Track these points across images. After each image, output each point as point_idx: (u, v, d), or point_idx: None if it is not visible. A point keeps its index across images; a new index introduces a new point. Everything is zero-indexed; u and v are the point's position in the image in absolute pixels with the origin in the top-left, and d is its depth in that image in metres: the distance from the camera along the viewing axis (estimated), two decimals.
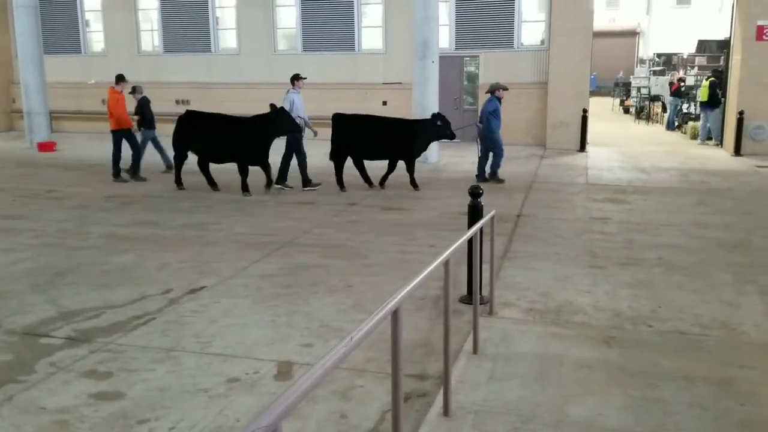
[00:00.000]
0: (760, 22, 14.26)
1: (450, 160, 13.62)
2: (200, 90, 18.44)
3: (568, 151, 14.98)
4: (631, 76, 26.74)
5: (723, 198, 10.00)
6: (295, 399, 1.68)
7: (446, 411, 3.55)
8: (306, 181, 10.77)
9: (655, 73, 24.41)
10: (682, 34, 28.37)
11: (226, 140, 10.27)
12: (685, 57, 25.19)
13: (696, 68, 22.90)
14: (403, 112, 15.88)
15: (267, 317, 5.22)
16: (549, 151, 15.13)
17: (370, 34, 17.33)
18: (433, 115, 10.94)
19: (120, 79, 11.72)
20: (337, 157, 10.66)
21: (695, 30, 26.49)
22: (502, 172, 11.25)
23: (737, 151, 14.10)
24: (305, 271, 6.40)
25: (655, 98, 22.63)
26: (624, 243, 7.41)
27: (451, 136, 10.77)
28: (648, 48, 31.71)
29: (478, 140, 11.39)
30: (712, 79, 16.75)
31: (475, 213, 5.34)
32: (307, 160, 10.85)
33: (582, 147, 15.20)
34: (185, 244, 7.42)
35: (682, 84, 20.10)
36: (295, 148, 10.70)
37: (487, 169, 11.29)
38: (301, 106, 10.97)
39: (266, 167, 10.36)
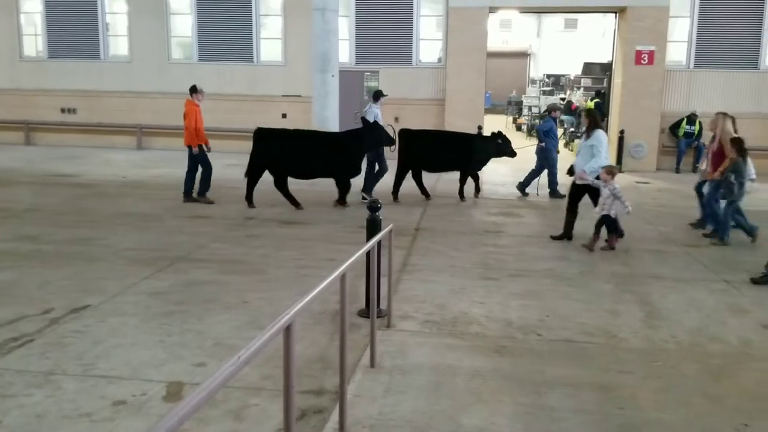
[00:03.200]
0: (638, 47, 15.31)
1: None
2: (88, 98, 17.63)
3: None
4: (523, 96, 27.96)
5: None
6: (176, 422, 1.60)
7: (342, 426, 3.53)
8: (368, 191, 10.91)
9: (545, 92, 25.65)
10: (569, 56, 30.00)
11: (317, 157, 10.08)
12: (572, 78, 26.61)
13: (582, 89, 24.25)
14: (303, 124, 15.81)
15: (157, 336, 5.01)
16: None
17: (270, 45, 17.18)
18: (493, 134, 11.55)
19: (194, 90, 10.93)
20: (402, 169, 10.95)
21: (581, 53, 28.08)
22: (397, 189, 11.38)
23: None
24: (199, 287, 6.20)
25: (544, 117, 23.73)
26: (516, 255, 7.69)
27: (512, 154, 11.43)
28: (538, 69, 33.31)
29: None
30: (597, 100, 17.81)
31: (373, 227, 5.38)
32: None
33: None
34: (68, 261, 7.01)
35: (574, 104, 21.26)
36: (378, 160, 10.93)
37: (536, 185, 11.71)
38: (381, 120, 11.16)
39: (348, 184, 10.44)
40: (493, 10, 16.25)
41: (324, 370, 4.47)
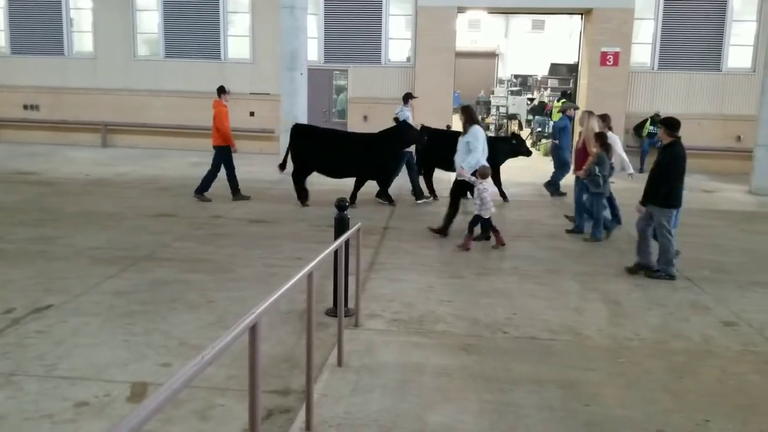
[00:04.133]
0: (603, 49, 15.54)
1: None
2: (51, 95, 17.26)
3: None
4: (491, 95, 28.15)
5: (569, 211, 10.72)
6: (137, 423, 1.58)
7: (308, 426, 3.51)
8: (419, 193, 11.13)
9: (512, 93, 25.87)
10: (536, 57, 30.26)
11: (351, 156, 10.20)
12: (539, 79, 26.88)
13: (549, 89, 24.52)
14: (271, 123, 15.76)
15: (121, 336, 4.93)
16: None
17: (238, 43, 17.02)
18: (512, 134, 12.11)
19: (222, 90, 10.87)
20: (426, 168, 11.31)
21: (548, 54, 28.36)
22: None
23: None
24: (164, 286, 6.12)
25: (512, 116, 23.97)
26: (483, 253, 7.75)
27: (527, 153, 11.75)
28: (506, 69, 33.53)
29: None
30: (563, 100, 18.01)
31: (341, 225, 5.37)
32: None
33: None
34: (30, 260, 6.86)
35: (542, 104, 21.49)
36: (408, 160, 11.13)
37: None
38: (410, 120, 11.51)
39: (387, 183, 10.67)
40: (461, 10, 16.34)
41: (291, 369, 4.45)
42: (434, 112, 15.69)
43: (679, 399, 4.15)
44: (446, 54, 15.89)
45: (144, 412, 1.63)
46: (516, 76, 28.93)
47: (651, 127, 15.41)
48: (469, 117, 8.41)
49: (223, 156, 10.38)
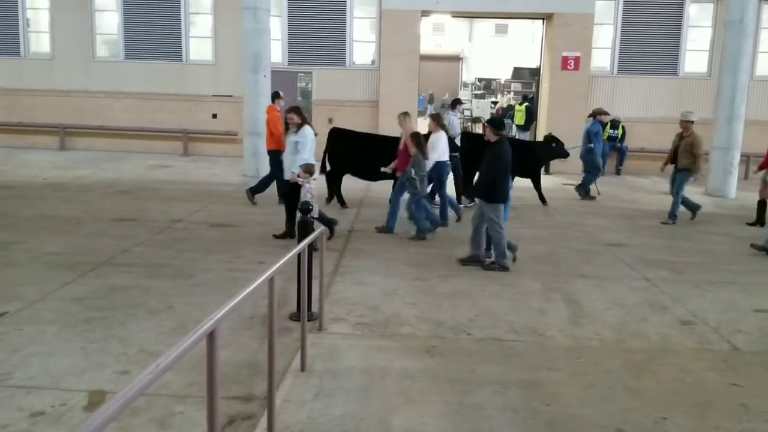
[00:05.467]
0: (564, 53, 15.79)
1: None
2: (7, 96, 16.86)
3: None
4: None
5: (534, 213, 10.87)
6: None
7: None
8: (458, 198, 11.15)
9: (476, 96, 26.09)
10: (500, 60, 30.57)
11: (386, 159, 10.00)
12: (502, 82, 27.17)
13: (512, 93, 24.81)
14: (234, 125, 15.62)
15: (78, 344, 4.81)
16: None
17: (200, 44, 16.83)
18: (546, 138, 12.30)
19: (276, 96, 10.97)
20: (469, 173, 11.13)
21: (511, 57, 28.66)
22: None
23: (546, 170, 15.42)
24: (123, 292, 6.00)
25: (476, 119, 24.17)
26: (446, 256, 7.77)
27: (566, 155, 12.03)
28: (470, 72, 33.81)
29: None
30: (527, 104, 18.26)
31: (304, 229, 5.33)
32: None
33: None
34: None
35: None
36: (455, 165, 11.10)
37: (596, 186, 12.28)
38: (457, 126, 11.89)
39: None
40: (425, 13, 16.43)
41: (254, 375, 4.39)
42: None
43: (638, 397, 4.22)
44: (411, 57, 15.96)
45: (96, 423, 1.59)
46: (480, 80, 29.19)
47: (611, 131, 15.69)
48: (302, 118, 8.19)
49: (277, 159, 10.22)
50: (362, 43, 16.82)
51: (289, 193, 8.24)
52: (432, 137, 9.48)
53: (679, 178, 10.24)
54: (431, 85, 28.34)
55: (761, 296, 6.59)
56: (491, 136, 7.29)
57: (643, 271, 7.33)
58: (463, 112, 25.41)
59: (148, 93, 16.50)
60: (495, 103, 25.49)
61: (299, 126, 8.15)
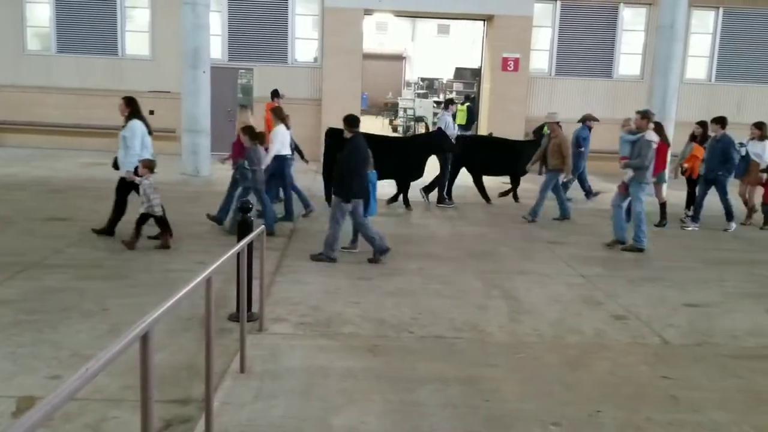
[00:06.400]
0: (504, 55, 16.06)
1: (223, 174, 13.28)
2: None
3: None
4: (399, 98, 28.49)
5: (475, 211, 11.02)
6: None
7: None
8: (442, 198, 11.44)
9: (419, 95, 26.28)
10: (442, 60, 30.90)
11: (383, 159, 9.89)
12: (444, 82, 27.45)
13: (455, 93, 25.09)
14: (172, 122, 15.25)
15: (6, 348, 4.61)
16: None
17: (136, 38, 16.38)
18: (535, 133, 12.66)
19: (275, 94, 11.22)
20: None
21: (454, 58, 29.01)
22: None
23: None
24: (55, 295, 5.78)
25: (419, 119, 24.35)
26: (390, 254, 7.78)
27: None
28: (414, 72, 34.04)
29: None
30: (468, 104, 18.51)
31: (244, 228, 5.25)
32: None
33: None
34: None
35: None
36: (444, 165, 11.42)
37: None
38: (452, 126, 12.16)
39: (408, 186, 10.98)
40: (368, 12, 16.43)
41: (192, 377, 4.30)
42: (343, 114, 15.68)
43: (574, 391, 4.33)
44: (353, 55, 15.94)
45: (21, 430, 1.52)
46: (423, 79, 29.42)
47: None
48: (133, 110, 7.82)
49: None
50: (305, 41, 16.70)
51: (121, 189, 7.82)
52: (272, 131, 9.51)
53: (548, 177, 10.44)
54: (375, 84, 28.39)
55: (690, 291, 6.86)
56: (346, 133, 7.41)
57: (579, 268, 7.53)
58: (405, 111, 25.67)
59: (81, 88, 15.96)
60: (438, 103, 25.69)
61: (127, 118, 7.78)
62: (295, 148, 10.40)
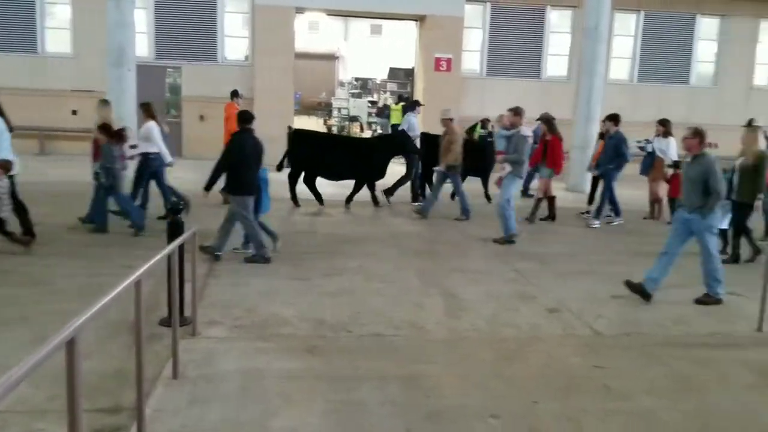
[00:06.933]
0: (437, 55, 16.23)
1: None
2: None
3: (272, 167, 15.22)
4: (332, 98, 28.40)
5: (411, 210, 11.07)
6: None
7: None
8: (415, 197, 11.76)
9: (353, 95, 26.26)
10: (376, 60, 30.97)
11: (347, 159, 10.76)
12: (378, 82, 27.54)
13: (389, 93, 25.21)
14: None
15: None
16: None
17: (57, 35, 15.70)
18: (468, 133, 12.83)
19: (235, 94, 11.49)
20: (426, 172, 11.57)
21: (387, 58, 29.12)
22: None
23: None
24: None
25: (354, 119, 24.34)
26: (328, 254, 7.73)
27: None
28: (347, 72, 33.99)
29: None
30: (403, 103, 18.59)
31: (174, 230, 5.09)
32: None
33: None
34: None
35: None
36: (409, 165, 11.68)
37: None
38: (416, 127, 12.18)
39: (370, 185, 11.11)
40: (299, 10, 16.30)
41: (122, 385, 4.12)
42: (275, 113, 15.51)
43: (511, 384, 4.38)
44: (285, 54, 15.77)
45: None
46: (357, 79, 29.41)
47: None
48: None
49: None
50: (234, 39, 16.41)
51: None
52: (142, 128, 9.33)
53: (439, 175, 10.35)
54: (308, 84, 28.19)
55: (618, 284, 7.07)
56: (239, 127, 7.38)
57: (514, 264, 7.66)
58: (340, 111, 25.61)
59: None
60: (373, 102, 25.76)
61: None
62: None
